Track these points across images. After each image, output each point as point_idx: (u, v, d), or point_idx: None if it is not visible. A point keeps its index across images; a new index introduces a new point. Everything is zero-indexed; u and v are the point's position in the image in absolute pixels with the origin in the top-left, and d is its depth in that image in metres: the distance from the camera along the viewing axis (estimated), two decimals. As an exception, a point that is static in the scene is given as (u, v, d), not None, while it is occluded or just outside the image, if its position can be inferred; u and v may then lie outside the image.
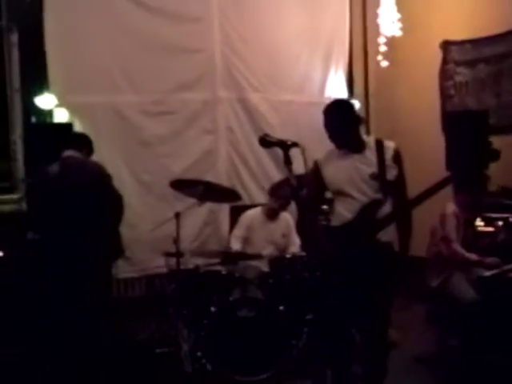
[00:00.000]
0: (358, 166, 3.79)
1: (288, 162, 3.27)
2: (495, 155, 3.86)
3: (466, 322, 4.59)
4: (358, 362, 4.06)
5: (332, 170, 3.85)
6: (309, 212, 3.88)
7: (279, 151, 3.40)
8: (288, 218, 5.69)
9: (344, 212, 3.82)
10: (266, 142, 3.40)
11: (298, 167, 3.46)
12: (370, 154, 3.81)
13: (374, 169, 3.77)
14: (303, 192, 3.73)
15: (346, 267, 3.63)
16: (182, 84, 6.77)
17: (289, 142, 3.28)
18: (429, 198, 3.74)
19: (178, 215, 5.10)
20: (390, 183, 3.79)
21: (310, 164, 3.85)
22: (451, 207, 4.89)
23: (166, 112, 6.69)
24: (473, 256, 4.76)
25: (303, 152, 3.25)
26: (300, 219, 5.59)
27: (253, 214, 5.66)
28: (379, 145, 3.84)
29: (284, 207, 5.58)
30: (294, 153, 3.36)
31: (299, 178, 3.47)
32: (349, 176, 3.79)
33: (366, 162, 3.79)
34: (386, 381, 4.10)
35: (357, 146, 3.85)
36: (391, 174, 3.79)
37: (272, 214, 5.58)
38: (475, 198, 4.89)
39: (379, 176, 3.77)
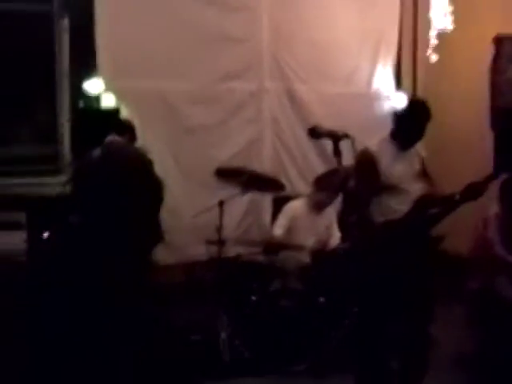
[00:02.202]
0: (410, 163, 3.82)
1: (338, 153, 3.23)
2: None
3: (509, 324, 4.50)
4: (395, 357, 4.04)
5: (388, 165, 3.82)
6: (361, 205, 3.84)
7: (325, 143, 3.40)
8: (330, 209, 5.65)
9: (395, 206, 3.79)
10: (315, 133, 3.38)
11: (347, 159, 3.44)
12: (413, 150, 3.86)
13: (418, 165, 3.82)
14: (352, 183, 3.70)
15: (395, 260, 3.60)
16: (229, 73, 6.77)
17: (339, 134, 3.25)
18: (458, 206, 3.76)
19: (221, 203, 5.11)
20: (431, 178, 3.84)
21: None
22: (494, 208, 4.79)
23: (211, 101, 6.68)
24: None
25: (353, 143, 3.21)
26: (345, 212, 5.57)
27: (297, 204, 5.62)
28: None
29: (332, 200, 5.51)
30: (343, 145, 3.33)
31: (347, 169, 3.45)
32: (404, 172, 3.80)
33: (414, 159, 3.84)
34: (425, 379, 4.07)
35: None
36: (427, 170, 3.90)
37: (318, 207, 5.52)
38: None
39: (423, 172, 3.81)
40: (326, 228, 5.58)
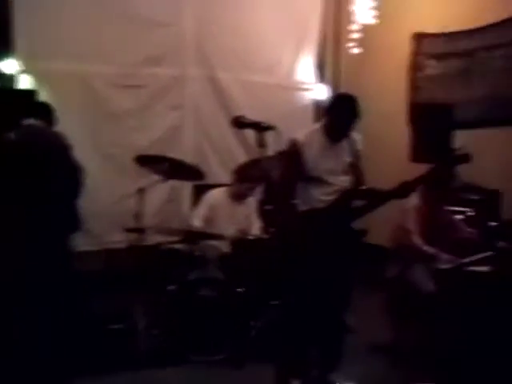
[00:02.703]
0: (338, 155, 3.90)
1: (262, 144, 3.21)
2: (465, 158, 3.90)
3: (423, 312, 4.63)
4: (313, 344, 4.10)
5: (314, 156, 3.88)
6: (284, 193, 3.86)
7: (247, 132, 3.37)
8: (250, 199, 5.66)
9: (320, 196, 3.85)
10: (239, 123, 3.33)
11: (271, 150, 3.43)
12: (345, 143, 3.91)
13: (349, 158, 3.88)
14: (276, 173, 3.71)
15: (318, 250, 3.65)
16: (152, 58, 6.69)
17: (264, 125, 3.23)
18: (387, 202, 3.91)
19: (141, 191, 5.02)
20: (361, 172, 3.88)
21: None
22: (413, 200, 4.92)
23: (134, 85, 6.59)
24: (430, 249, 4.81)
25: (279, 135, 3.20)
26: (266, 201, 5.60)
27: (217, 194, 5.60)
28: (350, 135, 3.97)
29: (252, 190, 5.54)
30: (267, 135, 3.32)
31: (270, 159, 3.44)
32: (331, 165, 3.88)
33: (345, 152, 3.92)
34: (340, 365, 4.15)
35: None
36: (360, 163, 3.96)
37: (239, 198, 5.53)
38: (439, 192, 4.91)
39: (354, 165, 3.88)
40: (245, 217, 5.58)
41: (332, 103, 4.00)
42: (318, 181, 3.86)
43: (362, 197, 3.95)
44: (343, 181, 3.90)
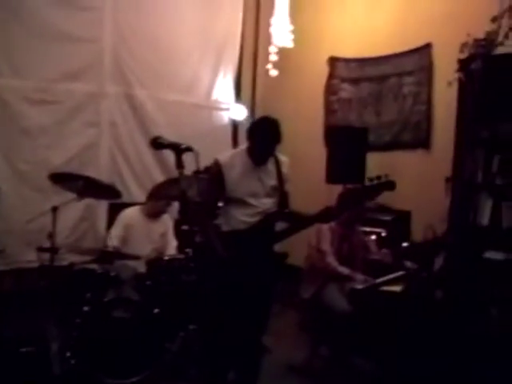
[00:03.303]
0: (262, 178, 3.93)
1: (180, 165, 3.19)
2: (391, 185, 4.01)
3: (337, 332, 4.72)
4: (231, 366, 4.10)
5: (236, 178, 3.89)
6: (204, 214, 3.86)
7: (164, 151, 3.36)
8: (166, 217, 5.63)
9: (242, 217, 3.87)
10: (157, 144, 3.30)
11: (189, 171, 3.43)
12: (271, 166, 3.96)
13: (274, 181, 3.90)
14: (192, 193, 3.71)
15: (237, 272, 3.66)
16: (68, 73, 6.57)
17: (182, 146, 3.21)
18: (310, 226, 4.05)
19: (55, 209, 4.90)
20: (286, 195, 3.94)
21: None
22: None
23: (49, 101, 6.45)
24: (345, 270, 4.92)
25: (197, 157, 3.20)
26: (182, 221, 5.58)
27: (131, 213, 5.54)
28: (276, 158, 4.00)
29: (167, 208, 5.53)
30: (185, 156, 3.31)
31: (187, 178, 3.43)
32: (254, 187, 3.90)
33: (269, 175, 3.95)
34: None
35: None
36: (287, 186, 3.98)
37: (154, 215, 5.49)
38: (353, 214, 5.03)
39: (278, 188, 3.93)
40: (161, 235, 5.54)
41: (255, 126, 4.03)
42: (240, 202, 3.88)
43: (285, 219, 4.00)
44: (266, 203, 3.92)
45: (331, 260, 4.93)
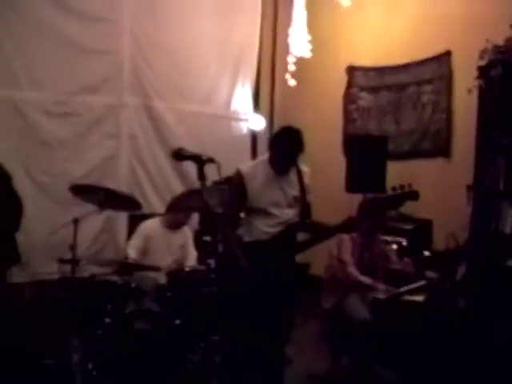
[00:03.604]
0: (284, 188, 3.93)
1: (202, 177, 3.20)
2: (414, 196, 4.00)
3: (359, 342, 4.68)
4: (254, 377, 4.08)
5: (258, 188, 3.89)
6: (226, 224, 3.85)
7: (184, 163, 3.37)
8: (186, 228, 5.63)
9: (264, 228, 3.86)
10: (180, 155, 3.31)
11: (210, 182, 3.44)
12: (293, 176, 3.95)
13: (296, 191, 3.89)
14: (214, 204, 3.70)
15: (259, 282, 3.65)
16: (87, 86, 6.62)
17: (204, 157, 3.22)
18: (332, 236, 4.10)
19: (76, 221, 4.92)
20: (307, 205, 3.95)
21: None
22: None
23: (68, 113, 6.50)
24: (366, 280, 4.89)
25: (219, 168, 3.20)
26: (203, 231, 5.57)
27: (151, 224, 5.55)
28: (298, 168, 4.00)
29: (187, 220, 5.53)
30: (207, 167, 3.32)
31: (208, 189, 3.43)
32: (276, 197, 3.89)
33: (291, 185, 3.95)
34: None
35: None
36: (308, 197, 3.98)
37: (174, 226, 5.49)
38: (374, 223, 4.99)
39: (300, 198, 3.92)
40: (181, 247, 5.54)
41: (277, 136, 4.04)
42: (262, 212, 3.88)
43: (307, 230, 3.99)
44: (288, 213, 3.92)
45: (352, 270, 4.90)
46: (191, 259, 5.54)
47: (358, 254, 5.00)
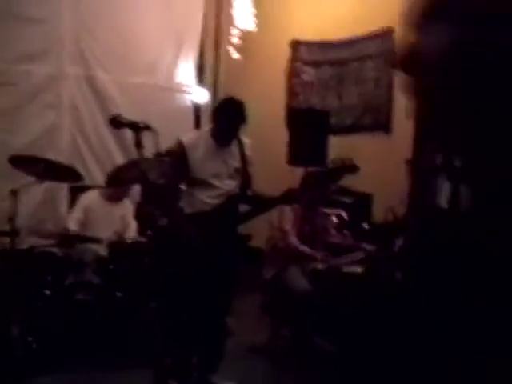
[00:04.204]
0: (226, 160, 3.95)
1: (139, 145, 3.19)
2: (353, 169, 4.07)
3: (298, 312, 4.77)
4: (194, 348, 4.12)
5: (200, 159, 3.90)
6: (169, 196, 3.86)
7: (126, 134, 3.35)
8: (125, 200, 5.61)
9: (205, 199, 3.88)
10: (117, 122, 3.29)
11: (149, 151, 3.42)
12: (235, 147, 3.98)
13: (237, 163, 3.92)
14: (154, 175, 3.69)
15: (201, 254, 3.68)
16: (26, 55, 6.47)
17: (141, 125, 3.21)
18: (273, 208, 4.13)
19: (14, 192, 4.84)
20: (249, 177, 3.99)
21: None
22: None
23: (6, 83, 6.34)
24: (306, 249, 4.97)
25: (156, 136, 3.20)
26: (144, 203, 5.55)
27: (91, 196, 5.50)
28: (239, 140, 4.03)
29: (128, 192, 5.51)
30: (145, 137, 3.30)
31: (148, 160, 3.43)
32: (217, 168, 3.91)
33: (233, 156, 3.97)
34: (219, 367, 4.20)
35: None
36: (250, 168, 4.03)
37: (115, 199, 5.46)
38: (316, 196, 5.07)
39: (241, 170, 3.96)
40: (121, 218, 5.52)
41: (219, 107, 4.05)
42: (204, 183, 3.89)
43: (248, 202, 4.03)
44: (229, 185, 3.95)
45: (293, 239, 4.97)
46: (131, 231, 5.52)
47: (298, 225, 5.07)
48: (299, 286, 4.78)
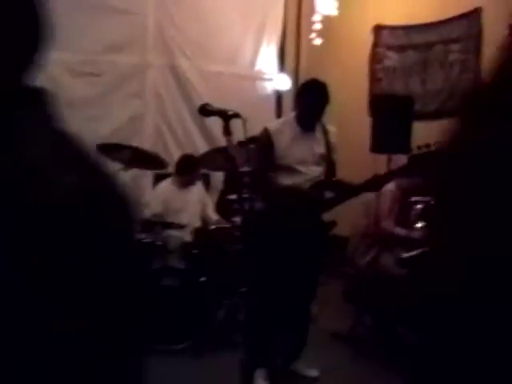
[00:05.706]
0: (312, 146, 3.91)
1: (228, 132, 3.21)
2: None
3: (384, 301, 4.68)
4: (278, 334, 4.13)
5: (285, 145, 3.89)
6: (257, 182, 3.86)
7: (209, 121, 3.37)
8: (198, 185, 5.67)
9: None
10: (206, 110, 3.33)
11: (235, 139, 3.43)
12: (319, 134, 3.94)
13: (322, 149, 3.89)
14: (240, 162, 3.70)
15: (289, 241, 3.67)
16: (112, 45, 6.61)
17: (230, 113, 3.23)
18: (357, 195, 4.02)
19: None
20: (333, 164, 3.96)
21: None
22: (388, 186, 4.87)
23: (93, 73, 6.51)
24: (401, 231, 4.78)
25: (244, 123, 3.21)
26: (228, 190, 5.59)
27: (165, 186, 5.58)
28: (324, 127, 4.00)
29: (197, 178, 5.59)
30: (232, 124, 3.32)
31: (235, 147, 3.44)
32: (303, 154, 3.89)
33: (318, 143, 3.95)
34: (302, 354, 4.19)
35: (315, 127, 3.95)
36: (334, 156, 3.99)
37: (187, 184, 5.50)
38: (414, 181, 4.89)
39: (326, 157, 3.92)
40: (199, 202, 5.57)
41: (302, 88, 4.02)
42: (289, 170, 3.87)
43: (333, 188, 3.99)
44: (315, 171, 3.92)
45: (387, 224, 4.80)
46: (211, 212, 5.58)
47: (396, 210, 4.89)
48: (394, 272, 4.65)
